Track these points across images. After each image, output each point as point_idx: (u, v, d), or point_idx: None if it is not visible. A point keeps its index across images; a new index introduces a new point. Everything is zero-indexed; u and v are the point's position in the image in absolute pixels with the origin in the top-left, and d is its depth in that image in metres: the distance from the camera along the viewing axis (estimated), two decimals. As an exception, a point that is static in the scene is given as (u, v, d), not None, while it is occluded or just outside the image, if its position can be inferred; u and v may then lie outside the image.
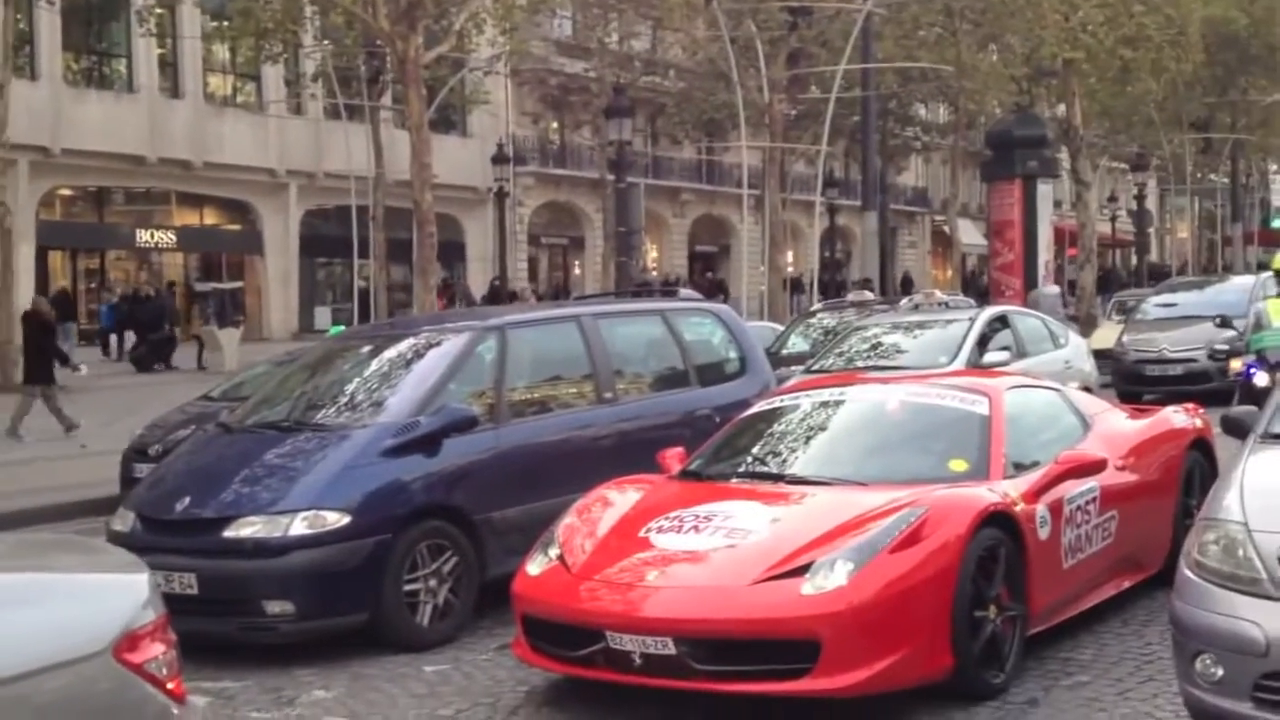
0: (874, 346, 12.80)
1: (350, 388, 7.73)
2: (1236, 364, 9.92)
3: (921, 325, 13.19)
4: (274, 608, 6.48)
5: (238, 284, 35.02)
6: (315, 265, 36.92)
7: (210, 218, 35.49)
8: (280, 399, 8.06)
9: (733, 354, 9.43)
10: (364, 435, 6.98)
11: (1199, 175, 50.19)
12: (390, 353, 7.97)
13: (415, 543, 6.74)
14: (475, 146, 38.00)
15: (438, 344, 7.77)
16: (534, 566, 5.90)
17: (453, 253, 38.06)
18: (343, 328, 15.24)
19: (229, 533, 6.58)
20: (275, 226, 34.93)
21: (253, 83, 34.85)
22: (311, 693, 6.03)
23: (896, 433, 6.71)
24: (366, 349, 8.27)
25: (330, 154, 33.33)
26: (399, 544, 6.64)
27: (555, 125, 42.90)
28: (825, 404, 7.03)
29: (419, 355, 7.75)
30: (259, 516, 6.58)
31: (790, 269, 36.38)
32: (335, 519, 6.52)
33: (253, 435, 7.47)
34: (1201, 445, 7.45)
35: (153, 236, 33.34)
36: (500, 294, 32.95)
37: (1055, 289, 16.12)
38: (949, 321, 12.94)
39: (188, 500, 6.88)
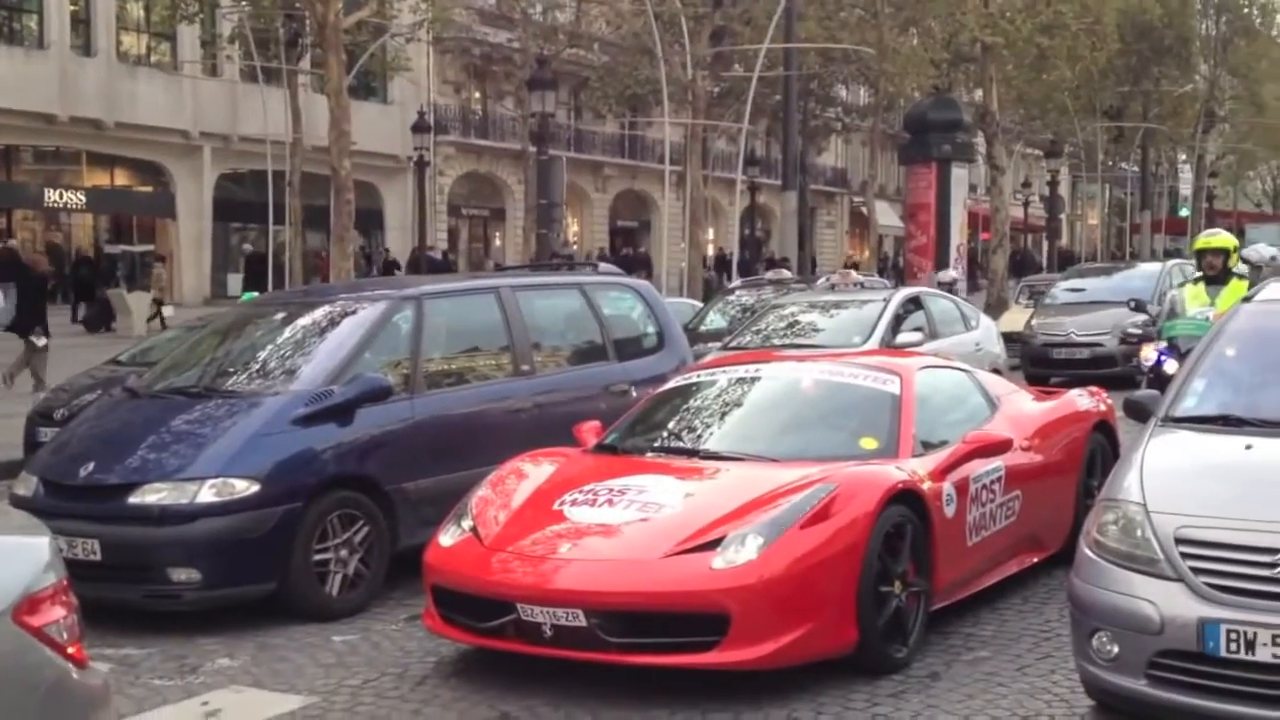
0: (790, 325, 12.92)
1: (263, 355, 7.62)
2: (1148, 350, 10.12)
3: (837, 305, 13.33)
4: (179, 575, 6.40)
5: (148, 247, 34.32)
6: (229, 230, 36.30)
7: (121, 179, 34.70)
8: (190, 364, 7.93)
9: (650, 329, 9.46)
10: (275, 403, 6.90)
11: (1110, 163, 51.24)
12: (305, 320, 7.87)
13: (326, 512, 6.69)
14: (395, 114, 37.56)
15: (353, 312, 7.69)
16: (446, 538, 5.90)
17: (371, 221, 37.65)
18: (256, 294, 15.00)
19: (134, 499, 6.48)
20: (188, 190, 34.27)
21: (167, 42, 34.10)
22: (216, 661, 5.98)
23: (809, 410, 6.78)
24: (280, 316, 8.15)
25: (246, 117, 32.75)
26: (309, 513, 6.59)
27: (477, 95, 42.55)
28: (740, 381, 7.08)
29: (334, 323, 7.66)
30: (165, 483, 6.49)
31: (711, 246, 36.54)
32: (244, 487, 6.44)
33: (161, 401, 7.35)
34: (1104, 428, 7.63)
35: (61, 197, 32.52)
36: (421, 263, 32.64)
37: (952, 274, 16.32)
38: (864, 302, 13.10)
39: (92, 466, 6.76)
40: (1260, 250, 10.53)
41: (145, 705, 5.45)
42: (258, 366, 7.49)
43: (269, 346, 7.71)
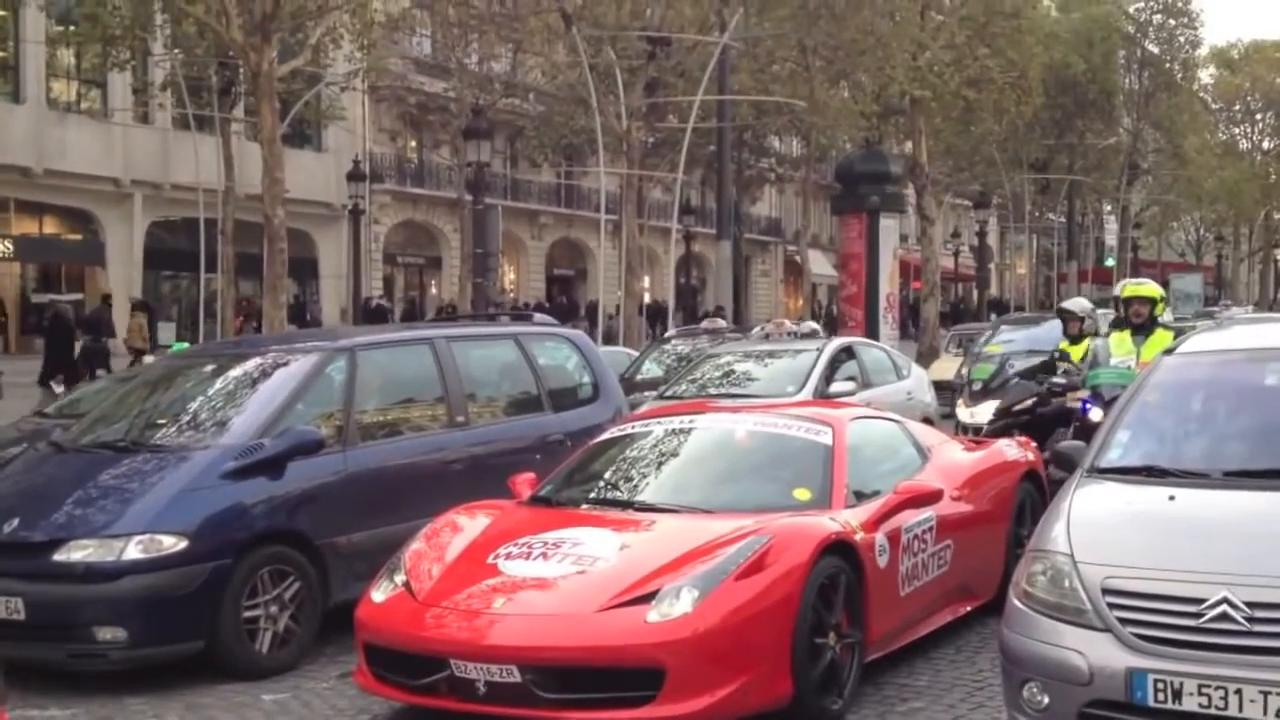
0: (726, 374, 12.98)
1: (192, 407, 7.52)
2: (1073, 398, 10.35)
3: (771, 354, 13.43)
4: (105, 634, 6.26)
5: (77, 296, 33.79)
6: (160, 278, 35.86)
7: (50, 227, 34.19)
8: (118, 418, 7.80)
9: (586, 379, 9.47)
10: (204, 457, 6.80)
11: (1037, 214, 52.16)
12: (235, 372, 7.78)
13: (256, 568, 6.59)
14: (330, 162, 37.42)
15: (285, 364, 7.62)
16: (379, 593, 5.83)
17: (305, 270, 37.38)
18: (186, 345, 14.82)
19: (59, 556, 6.34)
20: (119, 237, 33.84)
21: (98, 89, 33.76)
22: (143, 723, 5.85)
23: (744, 461, 6.81)
24: (210, 367, 8.05)
25: (178, 165, 32.44)
26: (238, 569, 6.48)
27: (413, 144, 42.53)
28: (675, 431, 7.10)
29: (265, 375, 7.59)
30: (91, 539, 6.36)
31: (647, 295, 36.66)
32: (171, 543, 6.33)
33: (87, 455, 7.22)
34: (1033, 477, 7.74)
35: (-13, 244, 32.00)
36: (374, 315, 32.37)
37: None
38: (798, 351, 13.21)
39: (16, 522, 6.60)
40: (1080, 303, 11.50)
41: (68, 768, 5.32)
42: (187, 419, 7.38)
43: (199, 399, 7.61)
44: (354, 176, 33.99)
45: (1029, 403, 9.86)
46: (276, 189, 18.29)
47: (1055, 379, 11.71)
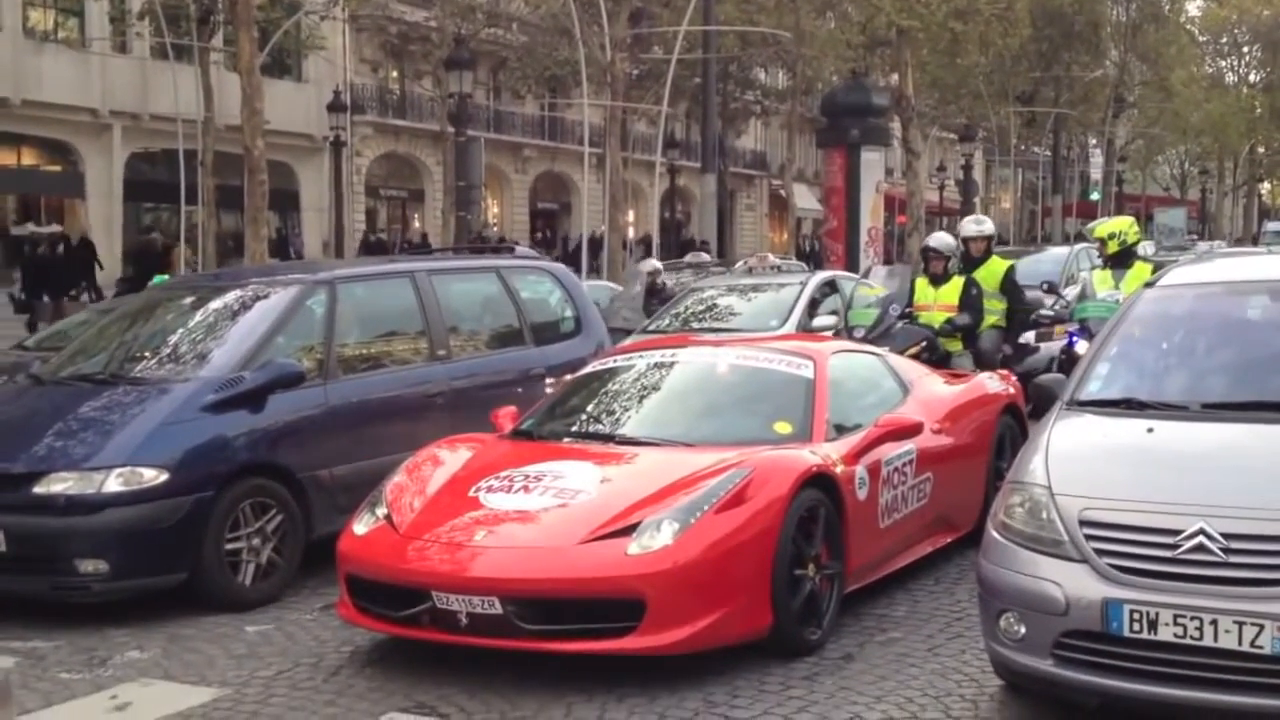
0: (709, 308, 12.96)
1: (172, 340, 7.49)
2: (1060, 330, 10.42)
3: (755, 289, 13.40)
4: (87, 566, 6.28)
5: (56, 228, 33.52)
6: (141, 210, 35.57)
7: (28, 158, 33.82)
8: (98, 350, 7.78)
9: (568, 313, 9.45)
10: (185, 389, 6.78)
11: (1023, 147, 52.00)
12: (215, 305, 7.74)
13: (238, 501, 6.60)
14: (311, 93, 37.02)
15: (265, 297, 7.59)
16: (360, 526, 5.84)
17: (286, 202, 37.10)
18: (166, 277, 14.71)
19: (40, 488, 6.33)
20: (98, 169, 33.51)
21: (75, 18, 33.28)
22: (125, 653, 5.87)
23: (725, 395, 6.81)
24: (190, 300, 8.01)
25: (157, 95, 32.03)
26: (220, 502, 6.49)
27: (395, 74, 42.07)
28: (657, 365, 7.09)
29: (245, 308, 7.56)
30: (72, 472, 6.35)
31: (631, 229, 36.55)
32: (152, 476, 6.33)
33: (67, 388, 7.20)
34: (1013, 410, 7.76)
35: (-36, 176, 31.68)
36: (373, 249, 32.12)
37: (654, 263, 15.97)
38: (781, 285, 13.18)
39: (-4, 454, 6.59)
40: (944, 239, 11.09)
41: (53, 699, 5.34)
42: (167, 352, 7.36)
43: (179, 332, 7.58)
44: (335, 107, 33.64)
45: (916, 348, 9.67)
46: (256, 120, 18.06)
47: (1044, 311, 11.76)
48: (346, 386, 7.43)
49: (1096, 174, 61.54)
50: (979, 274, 10.74)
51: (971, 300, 10.47)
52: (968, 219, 11.86)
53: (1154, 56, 52.59)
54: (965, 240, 10.97)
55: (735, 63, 37.55)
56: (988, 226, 11.18)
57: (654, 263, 16.39)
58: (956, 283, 10.58)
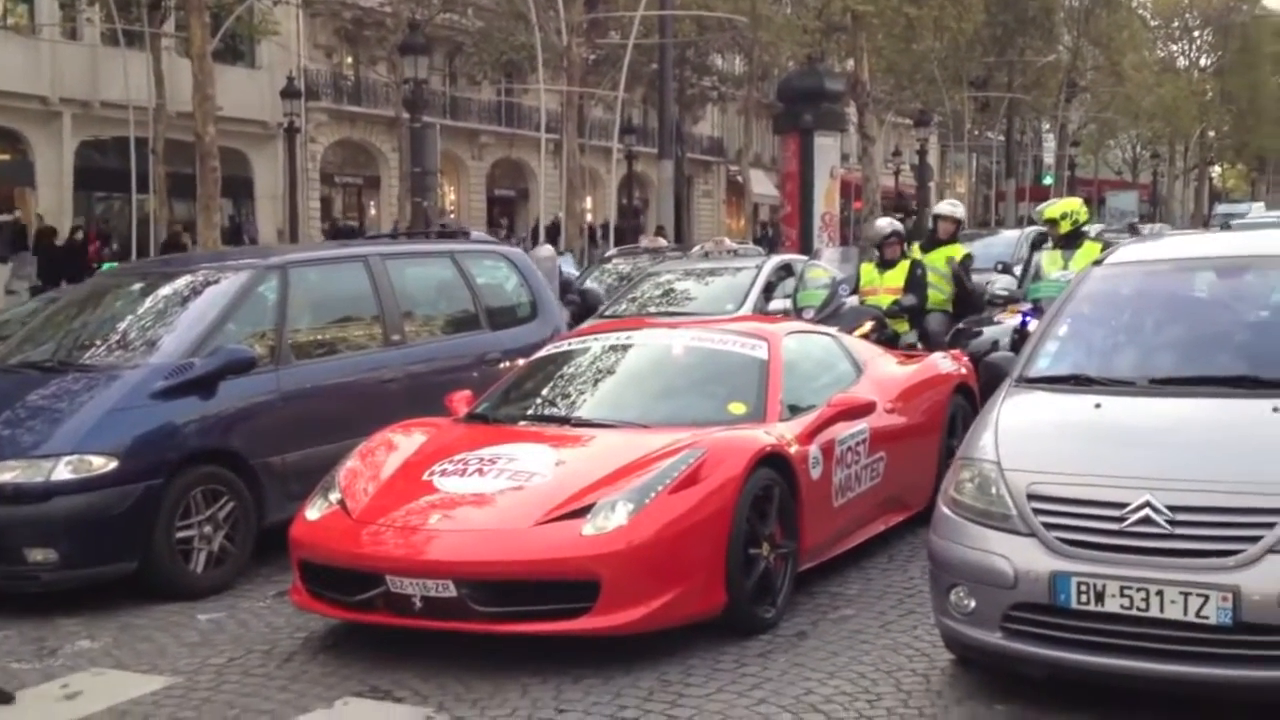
0: (666, 293, 12.99)
1: (121, 326, 7.41)
2: (1013, 311, 10.52)
3: (711, 272, 13.44)
4: (36, 556, 6.21)
5: (8, 216, 33.06)
6: (93, 199, 35.12)
7: (-25, 146, 33.35)
8: (46, 338, 7.68)
9: (524, 298, 9.42)
10: (134, 376, 6.71)
11: (977, 132, 52.25)
12: (165, 290, 7.67)
13: (189, 488, 6.55)
14: (264, 79, 36.64)
15: (215, 282, 7.52)
16: (313, 511, 5.81)
17: (240, 189, 36.74)
18: (116, 265, 14.56)
19: (-13, 478, 6.25)
20: (48, 157, 33.04)
21: (24, 4, 32.76)
22: (76, 643, 5.82)
23: (680, 377, 6.82)
24: (140, 286, 7.93)
25: (108, 82, 31.60)
26: (171, 489, 6.44)
27: (349, 60, 41.73)
28: (612, 348, 7.09)
29: (195, 294, 7.49)
30: (19, 460, 6.28)
31: (589, 215, 36.47)
32: (101, 463, 6.26)
33: (14, 375, 7.10)
34: (965, 390, 7.82)
35: (-89, 165, 31.17)
36: (343, 235, 31.75)
37: (550, 250, 15.88)
38: (737, 269, 13.23)
39: (-58, 444, 6.50)
40: (892, 223, 11.30)
41: (3, 689, 5.28)
42: (116, 339, 7.28)
43: (128, 318, 7.50)
44: (288, 94, 33.33)
45: (867, 327, 9.74)
46: (208, 106, 17.90)
47: (997, 290, 11.87)
48: (299, 372, 7.38)
49: (1049, 158, 61.98)
50: (937, 256, 10.86)
51: (917, 281, 10.61)
52: (945, 201, 12.06)
53: (1106, 41, 52.95)
54: (936, 218, 11.13)
55: (692, 48, 37.53)
56: (960, 211, 11.41)
57: (549, 249, 16.27)
58: (903, 266, 10.72)
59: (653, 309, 12.29)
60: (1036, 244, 12.70)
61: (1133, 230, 26.27)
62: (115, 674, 5.46)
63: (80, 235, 25.11)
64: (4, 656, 5.66)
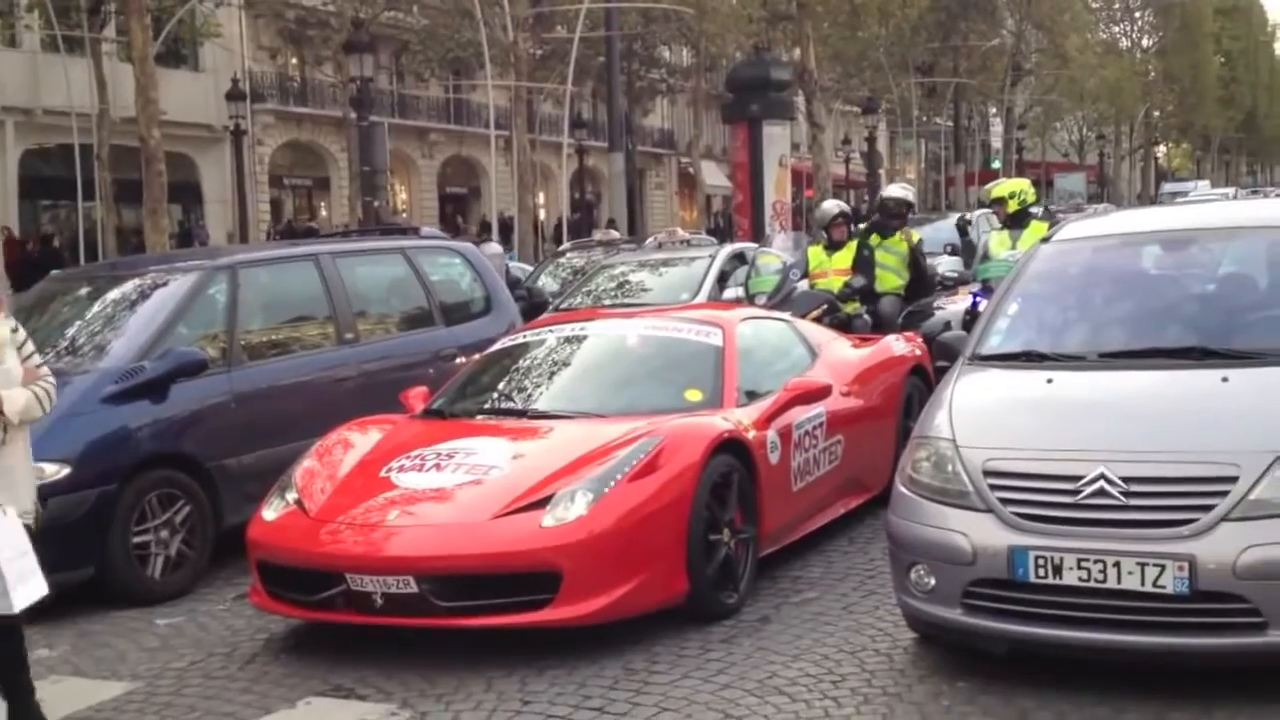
0: (620, 285, 12.98)
1: (69, 332, 7.32)
2: (963, 292, 10.61)
3: (665, 263, 13.45)
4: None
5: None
6: (39, 208, 34.65)
7: (-86, 157, 32.80)
8: (-8, 346, 7.56)
9: (478, 293, 9.39)
10: (84, 381, 6.63)
11: (925, 118, 52.59)
12: (113, 294, 7.58)
13: (144, 493, 6.49)
14: (208, 82, 36.25)
15: (164, 284, 7.44)
16: (270, 511, 5.77)
17: (188, 194, 36.34)
18: (59, 271, 14.38)
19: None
20: (-10, 167, 32.58)
21: (-41, 12, 32.26)
22: (34, 652, 5.67)
23: (636, 366, 6.83)
24: (86, 290, 7.84)
25: (49, 89, 31.17)
26: (125, 494, 6.38)
27: (295, 61, 41.36)
28: (567, 339, 7.08)
29: (144, 296, 7.41)
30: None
31: (542, 210, 36.38)
32: (54, 470, 6.15)
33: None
34: (920, 371, 7.87)
35: None
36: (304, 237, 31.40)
37: (497, 248, 15.82)
38: (691, 259, 13.23)
39: (-113, 456, 6.38)
40: (838, 204, 11.44)
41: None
42: (64, 344, 7.18)
43: (76, 323, 7.42)
44: (233, 96, 33.00)
45: (817, 312, 9.80)
46: (151, 109, 17.70)
47: (946, 273, 11.96)
48: (252, 373, 7.32)
49: (997, 142, 62.42)
50: (889, 242, 10.90)
51: (864, 261, 10.65)
52: (894, 184, 12.08)
53: (1049, 24, 53.40)
54: (885, 200, 11.16)
55: (639, 40, 37.49)
56: (911, 194, 11.48)
57: (497, 246, 16.19)
58: (850, 247, 10.76)
59: (608, 301, 12.27)
60: (962, 228, 12.78)
61: (1079, 211, 26.55)
62: (74, 681, 5.40)
63: (56, 243, 24.73)
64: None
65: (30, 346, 4.86)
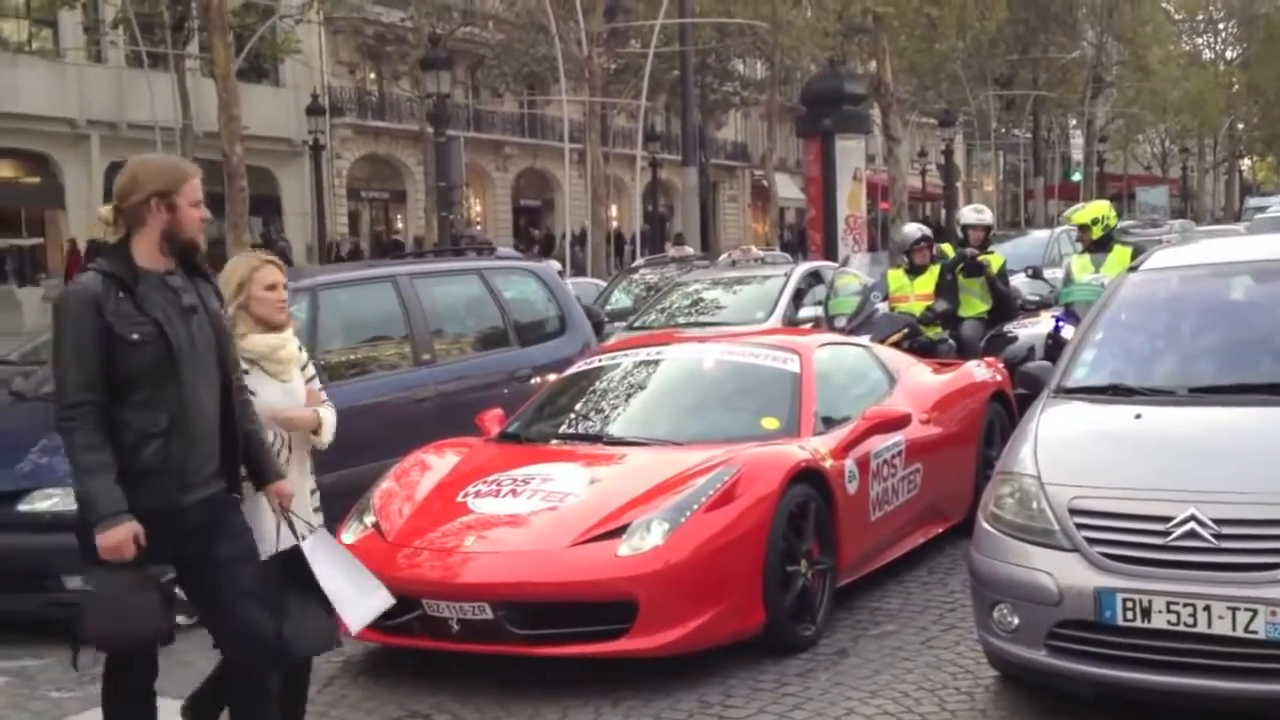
0: (694, 303, 12.96)
1: (154, 353, 7.43)
2: (1045, 316, 10.42)
3: (740, 281, 13.40)
4: (75, 583, 6.20)
5: (38, 240, 33.33)
6: (121, 220, 35.35)
7: (7, 170, 33.63)
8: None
9: (552, 312, 9.42)
10: (169, 403, 6.71)
11: (1003, 130, 52.02)
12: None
13: (225, 513, 6.54)
14: (289, 97, 36.85)
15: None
16: (348, 534, 5.81)
17: (269, 207, 36.93)
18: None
19: (25, 506, 6.29)
20: (77, 179, 33.31)
21: (49, 28, 33.06)
22: (116, 671, 5.82)
23: (712, 392, 6.79)
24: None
25: (134, 104, 31.88)
26: (207, 515, 6.43)
27: (373, 76, 41.91)
28: (643, 364, 7.07)
29: (227, 318, 7.50)
30: (57, 489, 6.28)
31: (614, 223, 36.51)
32: (140, 491, 6.27)
33: (50, 403, 7.06)
34: (1001, 398, 7.74)
35: (-56, 191, 31.49)
36: (388, 250, 31.86)
37: (555, 265, 15.59)
38: (766, 277, 13.17)
39: (-20, 473, 6.53)
40: (920, 228, 11.14)
41: (44, 718, 5.31)
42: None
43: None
44: (313, 111, 33.53)
45: (897, 336, 9.65)
46: (234, 126, 18.03)
47: (1028, 296, 11.77)
48: (332, 394, 7.34)
49: (1078, 155, 61.65)
50: (973, 283, 10.60)
51: (947, 286, 10.49)
52: (967, 207, 11.83)
53: (1131, 36, 52.63)
54: (964, 228, 10.95)
55: (713, 54, 37.51)
56: (987, 215, 11.10)
57: (554, 264, 16.10)
58: (933, 272, 10.60)
59: (681, 320, 12.25)
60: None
61: (1154, 226, 26.13)
62: (158, 700, 5.45)
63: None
64: (45, 685, 5.68)
65: (312, 369, 4.84)
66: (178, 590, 4.01)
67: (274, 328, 4.52)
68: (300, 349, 4.73)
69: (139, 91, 30.24)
